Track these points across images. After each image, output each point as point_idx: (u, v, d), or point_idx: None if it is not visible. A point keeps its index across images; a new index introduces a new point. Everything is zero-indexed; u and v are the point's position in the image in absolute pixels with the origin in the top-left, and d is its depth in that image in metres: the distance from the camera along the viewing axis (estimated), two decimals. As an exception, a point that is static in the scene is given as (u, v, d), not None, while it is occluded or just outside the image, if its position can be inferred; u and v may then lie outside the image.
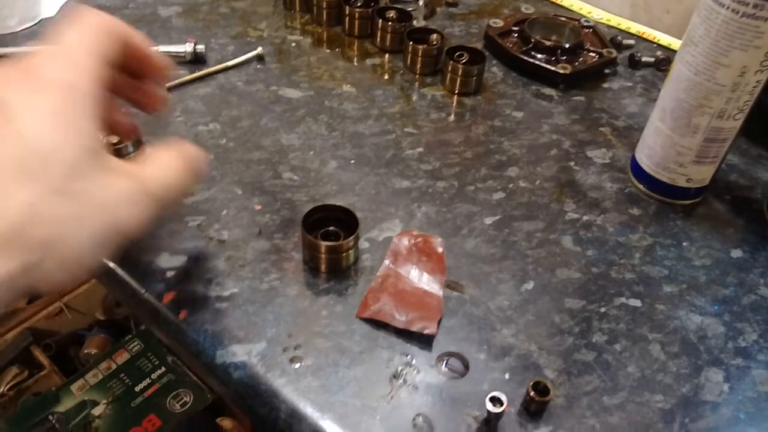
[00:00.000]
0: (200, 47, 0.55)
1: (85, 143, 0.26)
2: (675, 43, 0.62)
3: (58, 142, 0.25)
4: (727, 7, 0.37)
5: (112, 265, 0.38)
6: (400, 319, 0.37)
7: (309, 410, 0.33)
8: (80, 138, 0.26)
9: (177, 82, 0.52)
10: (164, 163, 0.30)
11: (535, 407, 0.33)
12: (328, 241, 0.39)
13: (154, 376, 0.85)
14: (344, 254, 0.39)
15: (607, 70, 0.58)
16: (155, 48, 0.34)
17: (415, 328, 0.36)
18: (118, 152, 0.42)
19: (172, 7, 0.62)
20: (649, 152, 0.45)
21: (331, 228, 0.40)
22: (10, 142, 0.24)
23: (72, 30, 0.29)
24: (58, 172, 0.25)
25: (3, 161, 0.24)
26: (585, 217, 0.44)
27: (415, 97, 0.54)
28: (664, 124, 0.43)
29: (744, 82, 0.39)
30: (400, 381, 0.34)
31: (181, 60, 0.55)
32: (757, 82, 0.39)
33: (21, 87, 0.26)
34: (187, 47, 0.54)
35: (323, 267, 0.39)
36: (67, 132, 0.26)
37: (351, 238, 0.38)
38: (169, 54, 0.54)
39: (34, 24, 0.58)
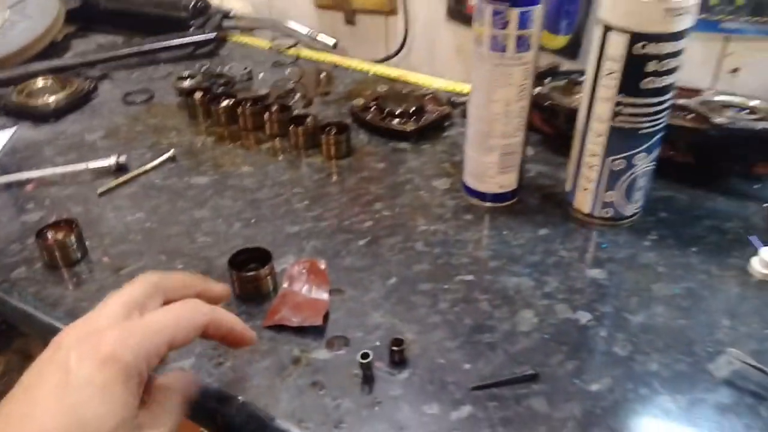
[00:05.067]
0: (122, 158, 0.68)
1: (123, 416, 0.31)
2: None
3: (101, 415, 0.31)
4: (485, 62, 0.54)
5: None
6: (295, 320, 0.49)
7: (232, 397, 0.44)
8: (120, 411, 0.31)
9: (106, 188, 0.65)
10: (168, 404, 0.36)
11: (398, 357, 0.46)
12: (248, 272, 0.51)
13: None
14: (263, 281, 0.51)
15: (446, 123, 0.75)
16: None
17: (306, 323, 0.49)
18: (62, 244, 0.55)
19: (96, 132, 0.76)
20: (469, 172, 0.61)
21: (251, 265, 0.52)
22: (63, 413, 0.30)
23: (165, 313, 0.35)
24: None
25: (51, 429, 0.30)
26: (432, 227, 0.59)
27: (300, 166, 0.69)
28: (471, 150, 0.59)
29: (511, 110, 0.55)
30: (300, 362, 0.46)
31: (108, 171, 0.68)
32: (521, 107, 0.56)
33: (85, 354, 0.31)
34: (111, 160, 0.68)
35: (248, 294, 0.51)
36: (111, 406, 0.31)
37: (266, 267, 0.51)
38: (97, 168, 0.68)
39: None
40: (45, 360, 0.33)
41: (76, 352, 0.32)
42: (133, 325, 0.34)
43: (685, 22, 0.48)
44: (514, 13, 0.50)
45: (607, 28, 0.50)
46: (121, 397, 0.31)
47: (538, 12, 0.51)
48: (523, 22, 0.51)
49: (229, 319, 0.39)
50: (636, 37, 0.48)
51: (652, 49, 0.48)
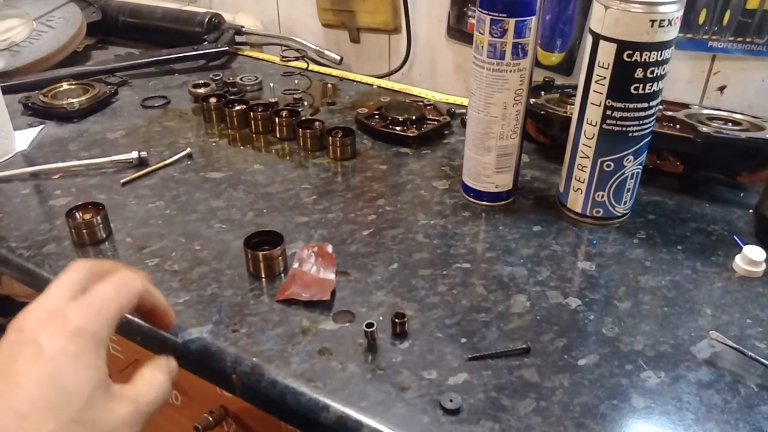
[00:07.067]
0: (143, 153, 0.73)
1: (97, 378, 0.33)
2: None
3: (79, 380, 0.32)
4: (483, 68, 0.59)
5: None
6: (305, 296, 0.53)
7: (246, 359, 0.47)
8: (95, 375, 0.33)
9: (129, 178, 0.69)
10: (150, 382, 0.38)
11: (399, 329, 0.49)
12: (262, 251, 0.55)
13: None
14: (275, 261, 0.55)
15: (446, 131, 0.80)
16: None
17: (315, 298, 0.52)
18: (90, 223, 0.58)
19: (117, 131, 0.81)
20: (468, 172, 0.65)
21: (265, 247, 0.56)
22: (43, 381, 0.32)
23: (105, 285, 0.36)
24: (77, 405, 0.32)
25: (36, 397, 0.31)
26: (432, 222, 0.63)
27: (308, 166, 0.73)
28: (470, 151, 0.64)
29: (508, 113, 0.60)
30: (309, 331, 0.50)
31: (129, 165, 0.72)
32: (517, 111, 0.60)
33: (53, 330, 0.33)
34: (133, 154, 0.72)
35: (261, 272, 0.55)
36: (86, 371, 0.33)
37: (278, 248, 0.55)
38: (120, 161, 0.72)
39: (11, 156, 0.75)
40: (12, 342, 0.33)
41: (44, 330, 0.33)
42: (86, 301, 0.35)
43: (669, 34, 0.53)
44: (511, 23, 0.55)
45: (597, 38, 0.55)
46: (94, 362, 0.33)
47: (533, 22, 0.56)
48: (519, 32, 0.56)
49: (156, 291, 0.40)
50: (623, 46, 0.53)
51: (639, 57, 0.53)
